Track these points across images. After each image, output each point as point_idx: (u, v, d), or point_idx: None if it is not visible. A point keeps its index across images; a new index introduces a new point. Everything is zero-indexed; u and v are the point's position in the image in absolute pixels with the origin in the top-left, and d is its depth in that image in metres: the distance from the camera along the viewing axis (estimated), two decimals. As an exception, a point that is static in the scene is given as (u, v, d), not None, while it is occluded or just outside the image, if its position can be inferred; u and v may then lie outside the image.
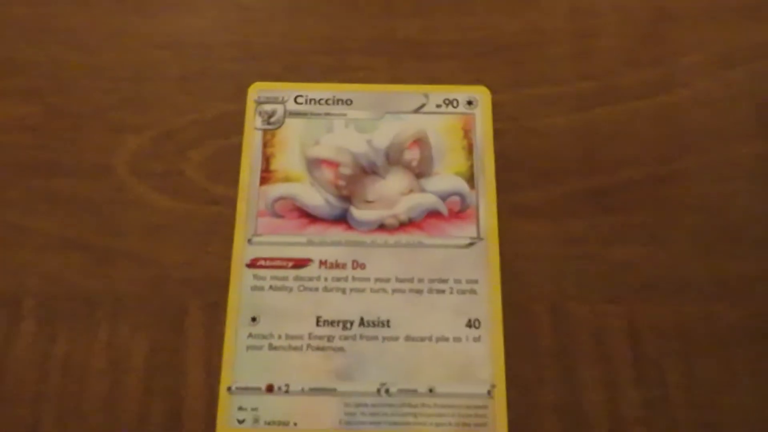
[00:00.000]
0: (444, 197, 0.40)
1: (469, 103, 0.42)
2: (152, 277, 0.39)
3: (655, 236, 0.40)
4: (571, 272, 0.39)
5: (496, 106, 0.42)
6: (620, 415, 0.36)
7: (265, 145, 0.40)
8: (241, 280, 0.38)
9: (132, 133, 0.42)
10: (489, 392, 0.36)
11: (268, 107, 0.41)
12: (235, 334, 0.37)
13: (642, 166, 0.41)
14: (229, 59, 0.44)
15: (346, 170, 0.40)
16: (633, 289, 0.39)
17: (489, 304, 0.38)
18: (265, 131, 0.41)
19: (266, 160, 0.40)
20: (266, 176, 0.40)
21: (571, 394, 0.37)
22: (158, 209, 0.40)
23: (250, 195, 0.39)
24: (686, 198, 0.41)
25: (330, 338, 0.37)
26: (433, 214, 0.39)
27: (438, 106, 0.42)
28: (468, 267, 0.38)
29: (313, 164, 0.40)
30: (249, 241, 0.38)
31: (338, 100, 0.41)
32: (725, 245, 0.40)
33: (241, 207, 0.39)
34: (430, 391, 0.36)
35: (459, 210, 0.39)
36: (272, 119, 0.41)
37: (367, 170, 0.40)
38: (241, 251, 0.38)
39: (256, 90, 0.42)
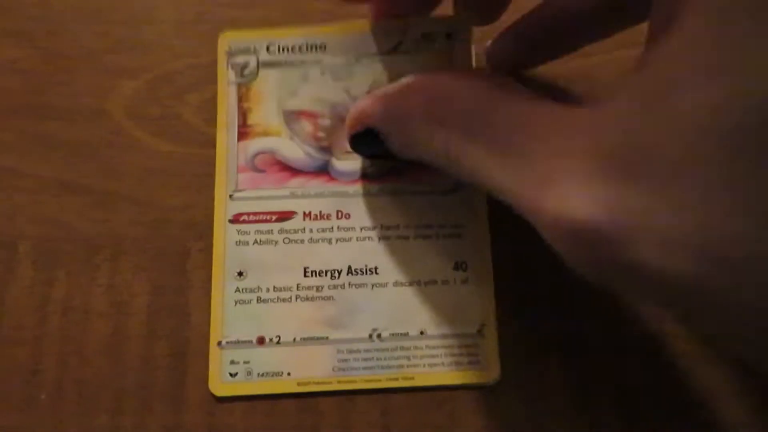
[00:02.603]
0: (426, 143, 0.44)
1: (448, 36, 0.44)
2: (153, 220, 0.44)
3: None
4: None
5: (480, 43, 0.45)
6: (618, 347, 0.42)
7: (241, 99, 0.45)
8: (224, 236, 0.43)
9: (127, 76, 0.47)
10: (479, 331, 0.42)
11: (240, 59, 0.45)
12: (223, 289, 0.42)
13: None
14: (227, 5, 0.48)
15: (325, 121, 0.44)
16: None
17: (475, 246, 0.43)
18: (239, 85, 0.45)
19: (243, 115, 0.45)
20: (244, 131, 0.44)
21: (567, 331, 0.42)
22: (157, 153, 0.45)
23: (229, 151, 0.44)
24: None
25: (319, 288, 0.42)
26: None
27: (416, 42, 0.44)
28: (452, 212, 0.43)
29: (291, 117, 0.44)
30: (230, 196, 0.43)
31: (311, 46, 0.45)
32: None
33: (221, 163, 0.44)
34: (422, 333, 0.42)
35: (441, 155, 0.44)
36: (246, 72, 0.45)
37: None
38: (223, 207, 0.43)
39: (227, 40, 0.46)
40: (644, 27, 0.44)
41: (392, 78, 0.44)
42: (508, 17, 0.45)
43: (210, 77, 0.46)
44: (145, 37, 0.48)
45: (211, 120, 0.45)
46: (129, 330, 0.43)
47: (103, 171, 0.45)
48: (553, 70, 0.46)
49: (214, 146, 0.45)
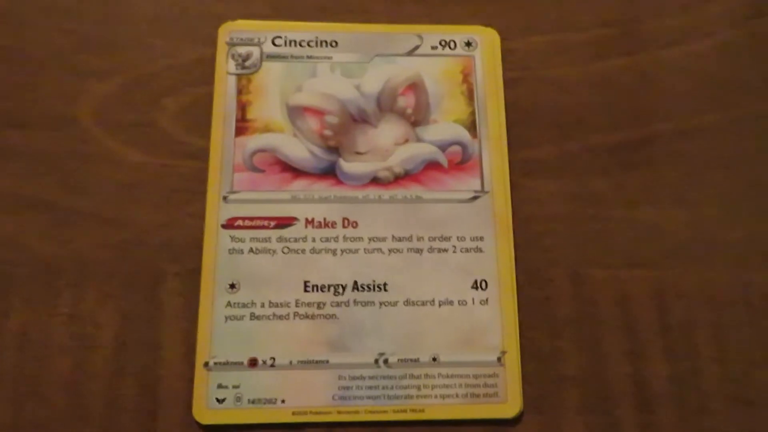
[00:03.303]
0: (443, 147, 0.42)
1: (468, 44, 0.44)
2: (122, 240, 0.41)
3: (681, 196, 0.43)
4: (592, 235, 0.42)
5: (507, 53, 0.45)
6: (647, 389, 0.39)
7: (240, 91, 0.43)
8: (216, 242, 0.40)
9: (97, 79, 0.44)
10: (499, 359, 0.39)
11: (242, 49, 0.43)
12: (212, 303, 0.39)
13: (665, 121, 0.44)
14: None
15: (332, 119, 0.42)
16: (659, 254, 0.42)
17: (497, 263, 0.40)
18: (239, 76, 0.43)
19: (242, 108, 0.42)
20: (242, 126, 0.42)
21: (592, 366, 0.40)
22: (128, 164, 0.42)
23: (224, 147, 0.42)
24: (712, 155, 0.44)
25: (320, 305, 0.39)
26: (432, 165, 0.42)
27: (433, 48, 0.44)
28: (472, 223, 0.41)
29: (296, 112, 0.42)
30: (224, 198, 0.41)
31: (322, 42, 0.44)
32: (755, 205, 0.43)
33: (215, 161, 0.41)
34: (434, 360, 0.39)
35: (460, 161, 0.42)
36: (247, 63, 0.43)
37: (356, 118, 0.43)
38: (216, 210, 0.40)
39: (228, 30, 0.44)
40: (669, 29, 0.47)
41: (408, 78, 0.43)
42: (523, 19, 0.46)
43: (190, 79, 0.44)
44: (118, 35, 0.45)
45: (192, 127, 0.43)
46: (93, 367, 0.39)
47: (66, 185, 0.42)
48: (574, 74, 0.45)
49: (194, 157, 0.42)
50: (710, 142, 0.44)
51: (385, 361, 0.39)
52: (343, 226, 0.41)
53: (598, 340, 0.40)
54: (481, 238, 0.41)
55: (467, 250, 0.41)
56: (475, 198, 0.41)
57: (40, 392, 0.38)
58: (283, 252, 0.40)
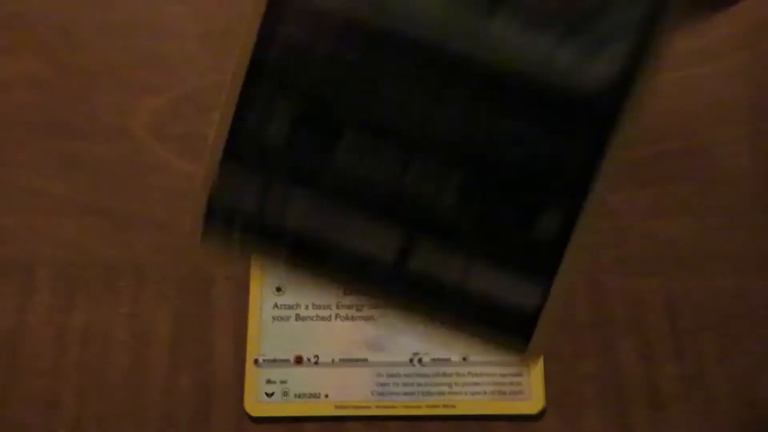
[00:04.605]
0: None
1: None
2: (176, 245, 0.43)
3: (690, 209, 0.45)
4: (608, 245, 0.44)
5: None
6: (658, 388, 0.42)
7: None
8: None
9: (150, 93, 0.46)
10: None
11: None
12: (260, 305, 0.42)
13: (675, 139, 0.46)
14: (257, 17, 0.48)
15: None
16: (670, 263, 0.44)
17: (522, 269, 0.43)
18: None
19: None
20: None
21: (608, 367, 0.42)
22: (181, 173, 0.44)
23: None
24: (719, 170, 0.46)
25: (359, 308, 0.42)
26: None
27: None
28: None
29: None
30: None
31: None
32: (760, 218, 0.45)
33: None
34: (464, 360, 0.41)
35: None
36: None
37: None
38: None
39: None
40: (678, 52, 0.48)
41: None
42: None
43: (237, 95, 0.46)
44: (169, 51, 0.47)
45: (237, 141, 0.45)
46: (151, 362, 0.41)
47: (124, 192, 0.44)
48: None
49: (240, 168, 0.44)
50: (716, 159, 0.46)
51: (419, 361, 0.41)
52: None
53: (614, 342, 0.42)
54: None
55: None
56: (503, 211, 0.44)
57: (103, 385, 0.41)
58: (324, 258, 0.42)
